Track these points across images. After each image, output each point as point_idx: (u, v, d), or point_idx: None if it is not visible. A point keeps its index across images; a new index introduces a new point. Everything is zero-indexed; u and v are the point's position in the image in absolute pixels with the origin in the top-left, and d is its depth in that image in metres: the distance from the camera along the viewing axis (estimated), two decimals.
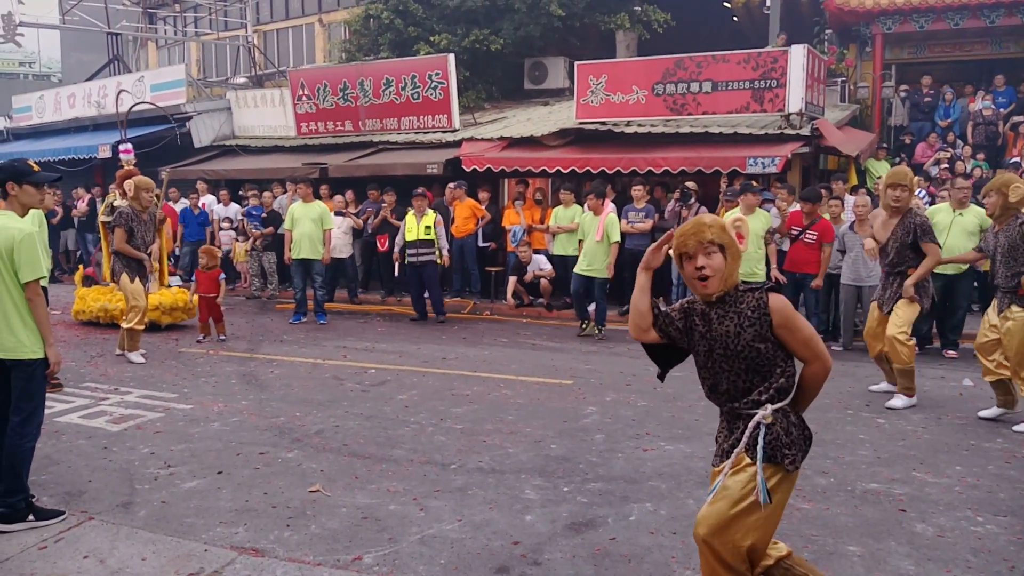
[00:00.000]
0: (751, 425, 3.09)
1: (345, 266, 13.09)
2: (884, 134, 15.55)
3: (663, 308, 3.32)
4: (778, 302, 3.10)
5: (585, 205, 10.38)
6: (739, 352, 3.10)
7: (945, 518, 4.51)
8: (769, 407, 3.09)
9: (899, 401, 6.70)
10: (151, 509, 4.66)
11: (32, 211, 6.73)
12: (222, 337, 9.77)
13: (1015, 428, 6.12)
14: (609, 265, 9.88)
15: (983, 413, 6.43)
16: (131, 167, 10.65)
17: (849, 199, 10.40)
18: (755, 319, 3.09)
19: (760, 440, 3.06)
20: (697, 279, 3.13)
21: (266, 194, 13.79)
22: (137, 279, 8.72)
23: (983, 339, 6.31)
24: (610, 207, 10.30)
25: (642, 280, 3.31)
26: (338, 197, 13.09)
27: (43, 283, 5.95)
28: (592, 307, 10.19)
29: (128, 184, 8.69)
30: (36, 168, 4.62)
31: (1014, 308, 6.06)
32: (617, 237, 9.96)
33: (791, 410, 3.16)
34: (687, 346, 3.30)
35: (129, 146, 10.90)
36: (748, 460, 3.10)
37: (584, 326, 10.25)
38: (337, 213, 12.62)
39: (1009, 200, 6.09)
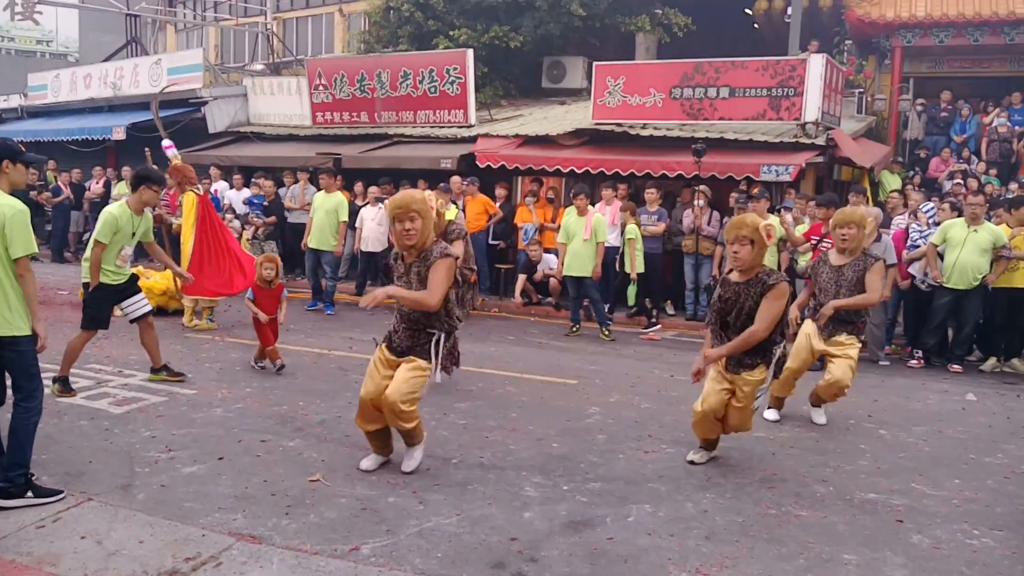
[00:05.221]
0: (776, 353, 5.08)
1: (378, 260, 12.35)
2: (899, 147, 15.50)
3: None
4: (776, 289, 4.85)
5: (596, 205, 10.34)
6: (749, 312, 4.94)
7: (942, 530, 4.51)
8: (783, 344, 5.11)
9: (772, 414, 6.65)
10: (150, 492, 4.68)
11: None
12: (266, 363, 7.84)
13: (765, 415, 6.48)
14: (596, 266, 9.84)
15: (767, 415, 6.55)
16: (178, 161, 9.74)
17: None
18: (758, 293, 4.89)
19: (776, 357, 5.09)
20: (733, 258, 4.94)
21: (265, 183, 13.67)
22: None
23: (800, 363, 6.36)
24: (616, 208, 10.26)
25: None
26: (373, 188, 12.56)
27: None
28: (592, 309, 10.17)
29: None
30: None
31: (843, 335, 6.28)
32: (604, 237, 9.93)
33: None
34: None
35: (171, 142, 10.03)
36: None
37: (575, 328, 10.25)
38: (377, 199, 12.19)
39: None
